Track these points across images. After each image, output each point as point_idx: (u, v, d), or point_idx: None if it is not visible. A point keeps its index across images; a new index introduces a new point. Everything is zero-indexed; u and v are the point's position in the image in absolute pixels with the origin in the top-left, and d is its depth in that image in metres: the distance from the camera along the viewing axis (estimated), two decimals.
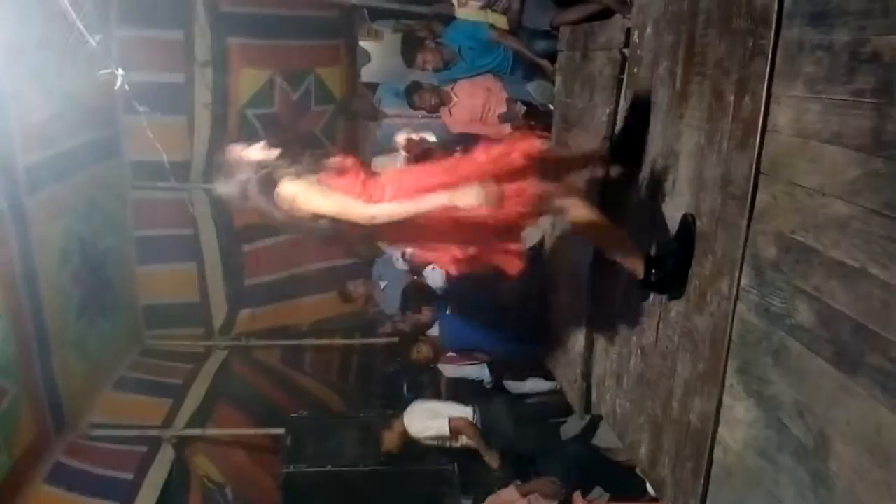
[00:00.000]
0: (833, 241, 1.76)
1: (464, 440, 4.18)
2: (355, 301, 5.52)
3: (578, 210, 2.53)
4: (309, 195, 2.26)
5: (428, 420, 4.17)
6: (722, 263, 2.25)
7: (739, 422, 2.18)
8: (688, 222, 2.44)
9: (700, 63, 2.41)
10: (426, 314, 4.70)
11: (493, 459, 4.07)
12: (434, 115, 5.01)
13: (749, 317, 2.12)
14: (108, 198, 4.91)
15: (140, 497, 3.88)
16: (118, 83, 2.75)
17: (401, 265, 5.08)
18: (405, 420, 4.18)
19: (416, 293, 4.94)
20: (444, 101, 4.88)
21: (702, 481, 2.36)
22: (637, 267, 2.57)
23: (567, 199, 2.54)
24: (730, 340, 2.21)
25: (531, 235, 4.34)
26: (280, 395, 5.35)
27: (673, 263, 2.48)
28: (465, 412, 4.19)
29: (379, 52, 6.34)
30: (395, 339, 5.34)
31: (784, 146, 1.96)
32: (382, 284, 5.28)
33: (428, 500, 4.19)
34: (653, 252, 2.65)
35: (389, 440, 4.16)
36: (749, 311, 2.12)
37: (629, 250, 2.61)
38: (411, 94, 4.95)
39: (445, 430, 4.11)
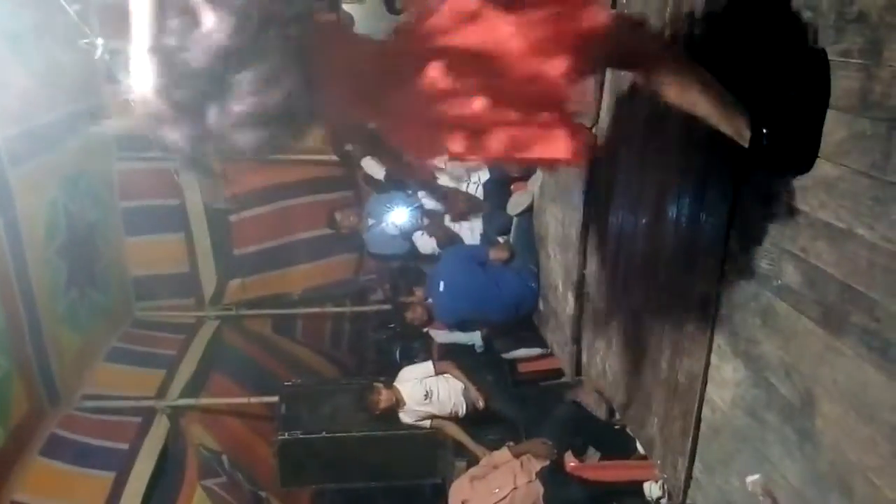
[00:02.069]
0: (820, 203, 1.77)
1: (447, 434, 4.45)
2: (341, 230, 5.54)
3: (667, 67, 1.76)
4: None
5: (415, 419, 4.34)
6: (709, 225, 2.26)
7: (727, 381, 2.21)
8: (817, 54, 1.73)
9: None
10: (418, 295, 4.74)
11: (478, 452, 4.25)
12: None
13: (737, 278, 2.14)
14: (93, 169, 4.87)
15: (136, 466, 3.92)
16: (98, 52, 2.70)
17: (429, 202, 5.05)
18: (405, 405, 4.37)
19: (403, 276, 4.98)
20: None
21: (690, 439, 2.40)
22: (738, 128, 1.79)
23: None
24: (718, 301, 2.23)
25: (519, 201, 4.34)
26: (273, 364, 5.39)
27: (793, 113, 1.76)
28: (455, 391, 4.37)
29: (363, 15, 6.27)
30: (387, 307, 5.37)
31: None
32: (370, 221, 5.28)
33: (422, 463, 4.25)
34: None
35: (379, 404, 4.30)
36: (736, 273, 2.14)
37: (727, 103, 1.78)
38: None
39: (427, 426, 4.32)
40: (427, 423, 4.35)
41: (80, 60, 3.90)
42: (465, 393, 4.46)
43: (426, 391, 4.41)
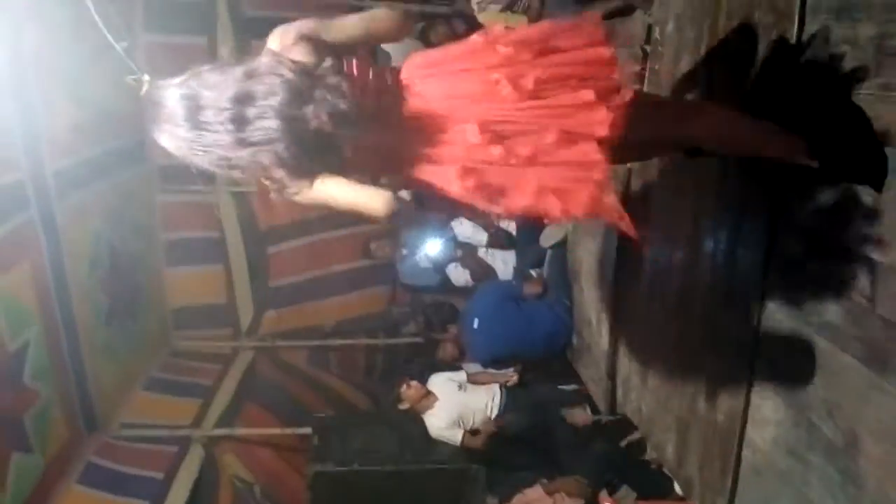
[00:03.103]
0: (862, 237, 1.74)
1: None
2: (375, 260, 5.68)
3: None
4: None
5: (446, 422, 4.17)
6: (748, 259, 2.23)
7: (767, 420, 2.16)
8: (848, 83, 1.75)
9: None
10: (451, 332, 4.74)
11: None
12: None
13: (777, 314, 2.10)
14: (136, 203, 4.98)
15: (170, 496, 3.93)
16: (144, 89, 2.78)
17: (469, 233, 5.03)
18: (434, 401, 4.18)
19: (437, 312, 4.98)
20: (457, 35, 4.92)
21: (730, 480, 2.34)
22: (800, 151, 1.78)
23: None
24: (757, 338, 2.19)
25: (552, 234, 4.33)
26: (307, 395, 5.40)
27: (846, 128, 1.75)
28: (489, 396, 4.22)
29: (399, 52, 6.37)
30: (419, 340, 5.37)
31: None
32: (404, 251, 5.30)
33: (454, 500, 4.19)
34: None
35: (409, 397, 4.19)
36: (776, 309, 2.10)
37: (779, 135, 1.83)
38: (426, 31, 5.01)
39: (457, 441, 4.12)
40: (459, 434, 4.11)
41: (127, 96, 4.03)
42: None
43: (459, 384, 4.25)
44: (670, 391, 2.83)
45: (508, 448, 4.17)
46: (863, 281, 1.74)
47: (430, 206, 4.67)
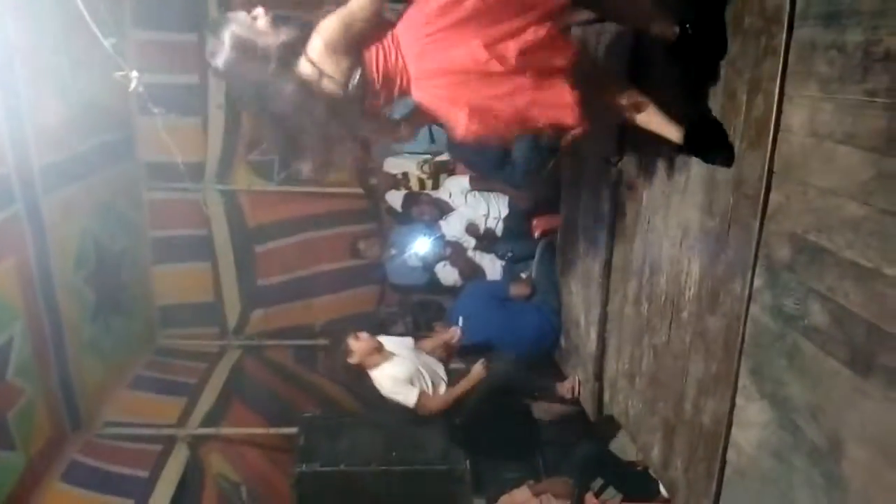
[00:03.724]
0: (847, 242, 1.75)
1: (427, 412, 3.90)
2: (364, 259, 5.69)
3: None
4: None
5: (399, 378, 3.82)
6: (734, 264, 2.24)
7: (752, 423, 2.17)
8: None
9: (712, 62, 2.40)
10: (439, 330, 4.73)
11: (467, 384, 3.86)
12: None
13: (762, 318, 2.11)
14: (123, 199, 4.95)
15: (155, 495, 3.91)
16: (133, 85, 2.76)
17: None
18: (386, 359, 3.86)
19: (424, 311, 4.96)
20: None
21: (715, 482, 2.35)
22: (668, 27, 2.28)
23: None
24: (742, 341, 2.20)
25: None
26: (293, 395, 5.38)
27: (707, 9, 2.25)
28: (441, 377, 3.95)
29: None
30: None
31: (797, 146, 1.95)
32: (392, 251, 5.30)
33: (441, 500, 4.19)
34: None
35: (357, 352, 3.82)
36: (762, 312, 2.11)
37: (659, 12, 2.31)
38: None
39: (411, 402, 3.78)
40: (413, 393, 3.76)
41: (115, 92, 4.01)
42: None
43: (409, 347, 3.97)
44: (657, 393, 2.85)
45: (467, 418, 4.05)
46: (847, 284, 1.75)
47: (417, 211, 4.66)
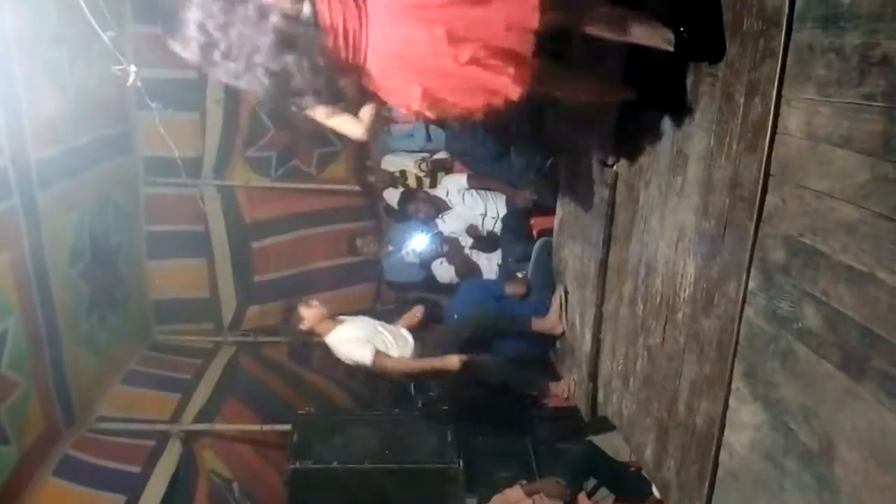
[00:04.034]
0: (841, 245, 1.76)
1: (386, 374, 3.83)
2: (361, 255, 5.64)
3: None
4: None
5: (355, 337, 3.73)
6: (729, 266, 2.24)
7: (745, 425, 2.18)
8: None
9: (709, 65, 2.40)
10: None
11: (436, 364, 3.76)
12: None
13: (756, 320, 2.11)
14: (120, 193, 4.94)
15: (147, 491, 3.90)
16: (131, 79, 2.75)
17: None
18: (339, 324, 3.79)
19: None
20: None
21: (707, 484, 2.36)
22: (663, 36, 2.29)
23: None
24: (736, 343, 2.20)
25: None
26: (287, 391, 5.38)
27: (702, 15, 2.27)
28: (408, 346, 3.83)
29: None
30: None
31: (794, 149, 1.96)
32: (389, 248, 5.31)
33: (433, 499, 4.19)
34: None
35: (308, 319, 3.78)
36: (756, 315, 2.11)
37: (651, 23, 2.31)
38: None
39: (367, 359, 3.65)
40: (369, 351, 3.63)
41: (113, 86, 4.00)
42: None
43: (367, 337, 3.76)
44: (650, 394, 2.85)
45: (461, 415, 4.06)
46: (841, 288, 1.75)
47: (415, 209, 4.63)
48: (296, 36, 1.91)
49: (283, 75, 1.96)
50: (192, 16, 1.91)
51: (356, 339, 3.70)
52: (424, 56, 2.01)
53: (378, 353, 3.65)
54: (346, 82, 2.13)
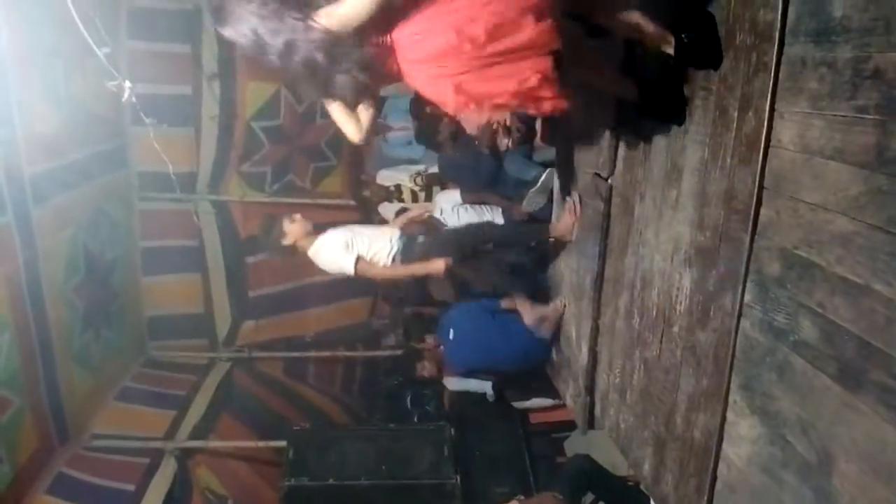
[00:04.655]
0: (837, 258, 1.76)
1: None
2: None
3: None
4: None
5: (336, 246, 3.67)
6: (725, 278, 2.25)
7: (743, 438, 2.17)
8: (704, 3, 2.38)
9: (704, 77, 2.42)
10: (429, 342, 4.72)
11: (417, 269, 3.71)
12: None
13: (752, 332, 2.11)
14: (114, 208, 4.94)
15: None
16: (126, 95, 2.76)
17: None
18: (320, 240, 3.71)
19: (417, 323, 4.95)
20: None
21: (705, 498, 2.34)
22: (665, 39, 2.40)
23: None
24: (733, 356, 2.20)
25: (535, 199, 4.28)
26: (283, 407, 5.36)
27: (702, 22, 2.35)
28: (390, 248, 3.74)
29: None
30: (399, 352, 5.35)
31: (787, 162, 1.96)
32: None
33: None
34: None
35: (292, 234, 3.73)
36: (752, 327, 2.11)
37: (654, 26, 2.39)
38: (416, 105, 5.01)
39: (349, 269, 3.64)
40: (350, 259, 3.60)
41: (108, 101, 4.01)
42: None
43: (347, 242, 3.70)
44: (648, 407, 2.84)
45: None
46: (837, 300, 1.76)
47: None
48: (337, 52, 2.09)
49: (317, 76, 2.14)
50: (246, 17, 2.06)
51: (336, 247, 3.64)
52: (454, 59, 2.13)
53: (359, 259, 3.61)
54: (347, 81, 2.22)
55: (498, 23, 2.07)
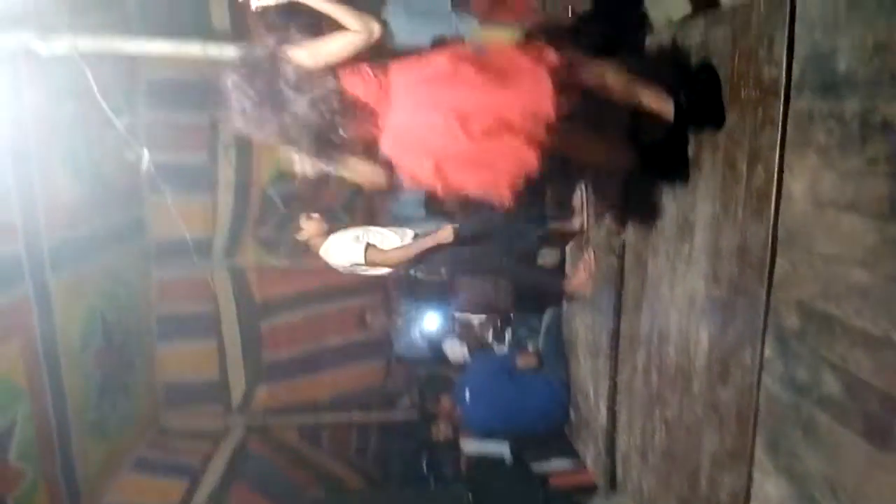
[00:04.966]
0: (855, 310, 1.73)
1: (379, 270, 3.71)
2: (370, 330, 5.52)
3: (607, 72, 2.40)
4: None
5: (346, 241, 3.65)
6: (743, 333, 2.21)
7: (771, 499, 2.10)
8: (707, 63, 2.42)
9: (711, 133, 2.44)
10: (445, 402, 4.66)
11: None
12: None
13: (774, 388, 2.07)
14: (131, 276, 4.99)
15: None
16: (144, 164, 2.82)
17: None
18: (331, 237, 3.70)
19: (430, 385, 4.91)
20: None
21: None
22: (664, 103, 2.42)
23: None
24: (756, 413, 2.15)
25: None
26: (297, 474, 5.28)
27: (701, 84, 2.38)
28: (395, 242, 3.69)
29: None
30: (414, 415, 5.28)
31: (800, 214, 1.96)
32: (399, 321, 5.26)
33: None
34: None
35: (308, 230, 3.72)
36: (774, 383, 2.07)
37: (654, 89, 2.44)
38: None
39: (360, 258, 3.57)
40: (360, 249, 3.55)
41: (126, 171, 4.09)
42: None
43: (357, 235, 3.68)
44: (671, 469, 2.77)
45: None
46: (858, 353, 1.72)
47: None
48: (319, 106, 2.09)
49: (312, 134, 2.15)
50: (235, 97, 2.16)
51: (346, 239, 3.63)
52: (443, 140, 2.14)
53: (369, 246, 3.57)
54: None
55: (497, 122, 2.10)
